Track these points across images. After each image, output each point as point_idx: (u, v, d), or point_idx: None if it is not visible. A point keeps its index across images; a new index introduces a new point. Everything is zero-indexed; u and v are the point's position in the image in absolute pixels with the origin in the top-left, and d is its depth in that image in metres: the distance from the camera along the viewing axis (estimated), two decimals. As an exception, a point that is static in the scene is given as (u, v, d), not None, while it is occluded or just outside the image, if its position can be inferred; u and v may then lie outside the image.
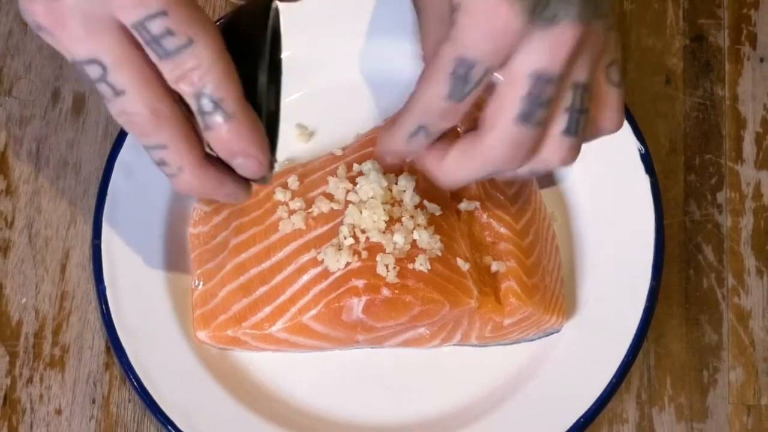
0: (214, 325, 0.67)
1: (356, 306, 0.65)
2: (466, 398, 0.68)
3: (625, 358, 0.66)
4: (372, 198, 0.65)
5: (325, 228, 0.67)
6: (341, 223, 0.66)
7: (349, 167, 0.68)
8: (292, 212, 0.67)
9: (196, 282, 0.69)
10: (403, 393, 0.68)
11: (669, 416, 0.69)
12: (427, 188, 0.67)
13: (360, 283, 0.65)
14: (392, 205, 0.66)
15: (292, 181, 0.69)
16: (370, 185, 0.66)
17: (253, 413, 0.67)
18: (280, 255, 0.67)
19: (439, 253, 0.65)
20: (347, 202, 0.66)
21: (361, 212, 0.65)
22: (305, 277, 0.66)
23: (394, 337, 0.68)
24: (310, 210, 0.67)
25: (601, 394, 0.66)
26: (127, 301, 0.68)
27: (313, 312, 0.66)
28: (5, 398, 0.69)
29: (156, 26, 0.50)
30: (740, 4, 0.77)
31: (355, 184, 0.66)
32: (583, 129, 0.54)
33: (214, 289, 0.68)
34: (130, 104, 0.51)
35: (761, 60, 0.76)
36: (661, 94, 0.76)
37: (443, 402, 0.68)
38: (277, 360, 0.69)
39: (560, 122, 0.53)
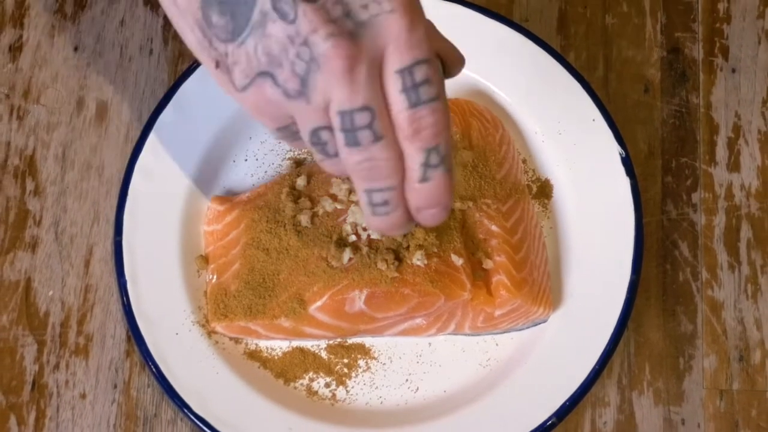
0: (227, 316, 0.67)
1: (358, 298, 0.65)
2: (460, 383, 0.68)
3: (607, 346, 0.67)
4: (373, 198, 0.65)
5: (329, 226, 0.67)
6: (344, 221, 0.66)
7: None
8: (299, 211, 0.67)
9: (211, 276, 0.69)
10: (404, 379, 0.68)
11: (648, 400, 0.69)
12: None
13: (361, 277, 0.65)
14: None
15: (300, 182, 0.69)
16: (371, 186, 0.66)
17: (263, 398, 0.66)
18: (287, 251, 0.67)
19: (435, 249, 0.65)
20: (349, 202, 0.66)
21: (362, 211, 0.65)
22: (311, 272, 0.66)
23: (393, 326, 0.68)
24: (315, 209, 0.67)
25: (585, 379, 0.66)
26: (146, 293, 0.68)
27: (319, 304, 0.66)
28: (34, 383, 0.69)
29: (420, 72, 0.47)
30: (713, 19, 0.77)
31: (357, 185, 0.66)
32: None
33: (227, 283, 0.68)
34: (384, 150, 0.48)
35: (733, 71, 0.76)
36: (640, 102, 0.75)
37: (440, 386, 0.68)
38: (285, 348, 0.69)
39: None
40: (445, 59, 0.52)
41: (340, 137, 0.48)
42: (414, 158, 0.49)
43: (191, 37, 0.50)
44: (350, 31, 0.46)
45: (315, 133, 0.49)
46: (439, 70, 0.49)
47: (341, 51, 0.46)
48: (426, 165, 0.49)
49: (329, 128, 0.49)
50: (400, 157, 0.49)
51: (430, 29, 0.50)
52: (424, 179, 0.49)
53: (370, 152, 0.48)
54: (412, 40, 0.47)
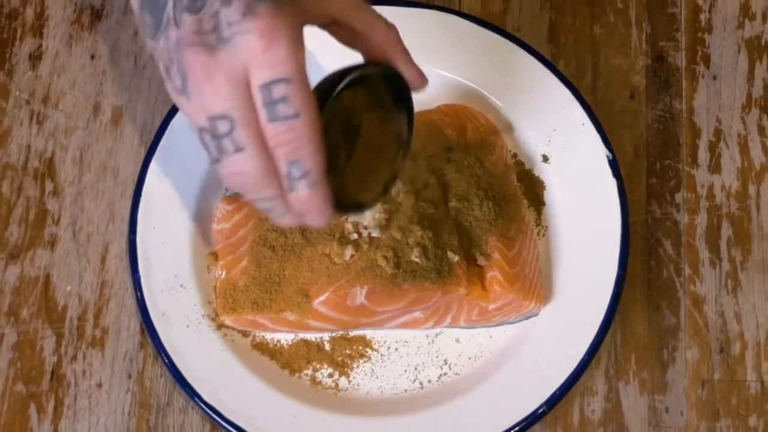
0: (236, 310, 0.67)
1: (359, 293, 0.65)
2: (456, 373, 0.68)
3: (595, 338, 0.67)
4: (373, 198, 0.65)
5: (332, 225, 0.66)
6: (346, 220, 0.66)
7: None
8: (303, 210, 0.67)
9: (220, 272, 0.69)
10: (403, 369, 0.68)
11: (633, 389, 0.69)
12: (419, 190, 0.67)
13: (363, 273, 0.65)
14: (390, 204, 0.66)
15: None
16: (372, 187, 0.66)
17: (270, 387, 0.66)
18: (293, 249, 0.67)
19: (432, 246, 0.66)
20: (351, 202, 0.66)
21: (363, 211, 0.65)
22: (315, 268, 0.66)
23: (392, 320, 0.68)
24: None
25: (574, 370, 0.66)
26: (159, 288, 0.68)
27: (322, 298, 0.66)
28: (53, 373, 0.69)
29: (278, 90, 0.48)
30: (696, 29, 0.77)
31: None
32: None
33: (236, 278, 0.68)
34: (246, 162, 0.49)
35: (714, 78, 0.76)
36: (626, 107, 0.75)
37: (437, 376, 0.68)
38: (291, 340, 0.69)
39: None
40: (407, 76, 0.54)
41: (212, 145, 0.49)
42: (280, 170, 0.50)
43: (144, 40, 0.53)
44: (209, 44, 0.48)
45: (200, 133, 0.50)
46: (305, 89, 0.49)
47: (196, 59, 0.48)
48: (288, 177, 0.50)
49: (209, 131, 0.50)
50: (263, 167, 0.49)
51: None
52: (290, 189, 0.50)
53: (233, 164, 0.49)
54: (269, 59, 0.48)
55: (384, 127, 0.56)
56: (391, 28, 0.55)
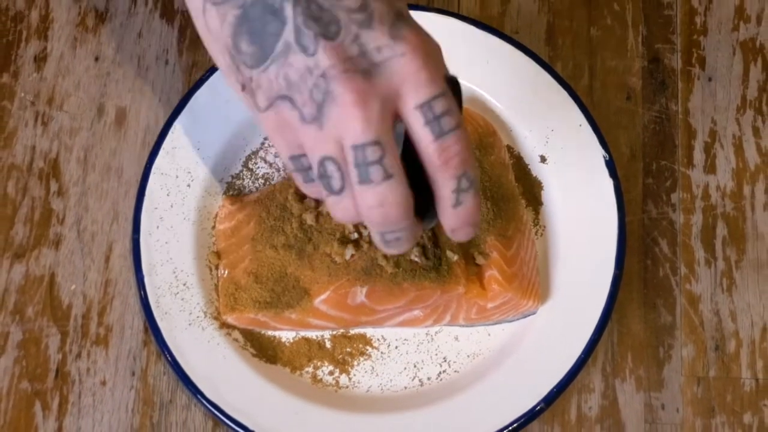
0: (238, 309, 0.67)
1: (360, 292, 0.65)
2: (455, 371, 0.68)
3: (592, 336, 0.67)
4: (373, 198, 0.65)
5: (333, 224, 0.67)
6: (347, 219, 0.66)
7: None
8: (304, 210, 0.67)
9: (222, 271, 0.69)
10: (403, 367, 0.68)
11: (630, 386, 0.69)
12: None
13: (363, 272, 0.65)
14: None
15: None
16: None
17: (271, 385, 0.66)
18: (294, 248, 0.67)
19: (431, 246, 0.66)
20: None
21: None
22: (316, 267, 0.66)
23: (393, 318, 0.68)
24: (320, 208, 0.67)
25: (572, 368, 0.66)
26: (162, 287, 0.68)
27: (323, 297, 0.66)
28: (57, 371, 0.69)
29: (439, 105, 0.47)
30: (691, 31, 0.77)
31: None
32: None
33: (238, 277, 0.68)
34: (393, 191, 0.48)
35: (709, 79, 0.76)
36: (623, 108, 0.75)
37: (436, 374, 0.68)
38: (292, 338, 0.69)
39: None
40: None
41: (353, 174, 0.48)
42: (447, 186, 0.49)
43: (221, 61, 0.51)
44: (364, 70, 0.47)
45: (323, 163, 0.48)
46: (454, 100, 0.49)
47: (354, 86, 0.46)
48: (458, 191, 0.49)
49: (336, 161, 0.48)
50: (408, 197, 0.49)
51: (438, 59, 0.50)
52: (457, 204, 0.49)
53: (382, 194, 0.48)
54: (425, 78, 0.47)
55: None
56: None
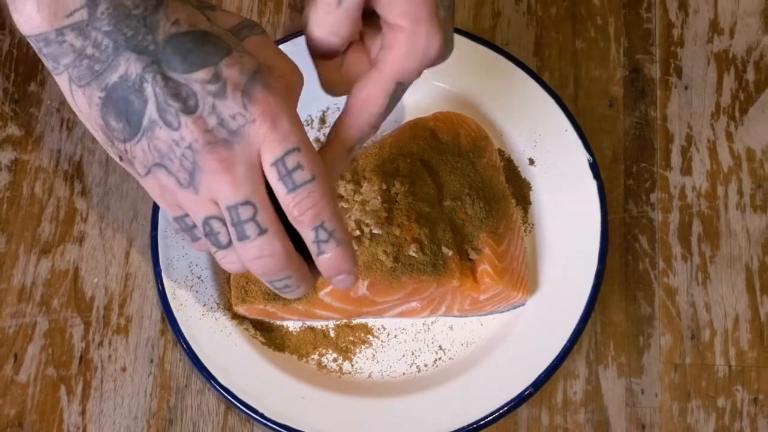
0: (249, 300, 0.67)
1: (361, 285, 0.65)
2: (450, 358, 0.68)
3: (576, 326, 0.67)
4: (374, 198, 0.65)
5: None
6: (350, 218, 0.66)
7: (354, 172, 0.68)
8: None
9: (234, 265, 0.69)
10: (401, 354, 0.68)
11: (612, 373, 0.69)
12: (416, 191, 0.67)
13: (364, 266, 0.65)
14: (390, 203, 0.66)
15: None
16: (372, 188, 0.66)
17: (279, 371, 0.67)
18: (301, 244, 0.67)
19: (428, 242, 0.66)
20: (354, 201, 0.66)
21: (365, 209, 0.65)
22: (321, 262, 0.66)
23: (392, 309, 0.68)
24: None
25: (558, 355, 0.66)
26: (178, 280, 0.68)
27: (327, 289, 0.66)
28: (81, 358, 0.69)
29: (291, 160, 0.47)
30: (669, 43, 0.77)
31: (360, 186, 0.66)
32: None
33: (248, 272, 0.67)
34: (269, 243, 0.48)
35: (686, 88, 0.76)
36: (605, 115, 0.75)
37: (432, 361, 0.68)
38: (299, 327, 0.69)
39: None
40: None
41: (232, 233, 0.48)
42: (306, 237, 0.49)
43: (96, 136, 0.50)
44: (224, 139, 0.47)
45: (207, 222, 0.48)
46: (314, 153, 0.48)
47: (217, 156, 0.46)
48: (317, 241, 0.49)
49: (219, 219, 0.48)
50: (285, 247, 0.48)
51: (290, 113, 0.49)
52: (320, 253, 0.49)
53: (259, 247, 0.48)
54: (275, 138, 0.47)
55: None
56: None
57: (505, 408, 0.65)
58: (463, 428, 0.65)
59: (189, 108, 0.46)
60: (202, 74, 0.46)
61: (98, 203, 0.73)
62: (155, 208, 0.70)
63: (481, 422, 0.65)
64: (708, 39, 0.78)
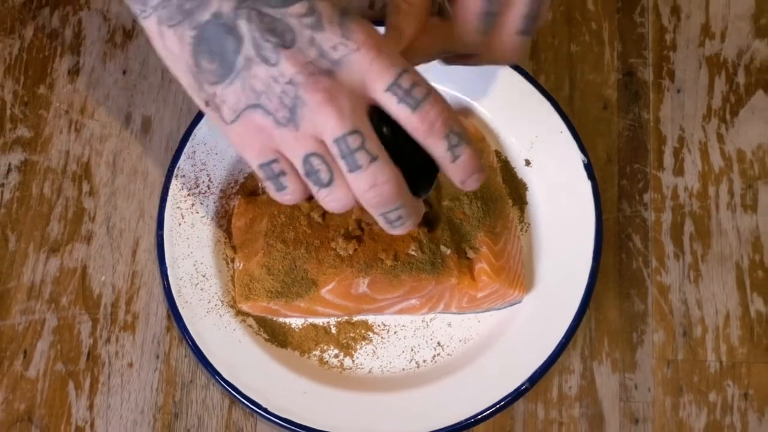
0: (252, 298, 0.67)
1: (362, 283, 0.65)
2: (448, 354, 0.68)
3: (572, 322, 0.67)
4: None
5: (338, 221, 0.67)
6: (351, 217, 0.66)
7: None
8: (312, 208, 0.67)
9: (238, 263, 0.69)
10: (401, 350, 0.68)
11: (606, 368, 0.69)
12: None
13: (365, 265, 0.65)
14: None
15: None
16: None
17: (282, 366, 0.67)
18: (303, 243, 0.67)
19: (427, 241, 0.66)
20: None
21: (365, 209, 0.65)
22: (322, 260, 0.66)
23: (392, 306, 0.68)
24: (327, 207, 0.67)
25: (553, 351, 0.66)
26: (183, 278, 0.68)
27: (329, 287, 0.66)
28: (89, 354, 0.69)
29: (406, 81, 0.46)
30: (662, 47, 0.77)
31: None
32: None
33: (252, 269, 0.67)
34: (382, 170, 0.47)
35: (678, 91, 0.76)
36: (600, 117, 0.75)
37: (432, 356, 0.68)
38: (301, 324, 0.69)
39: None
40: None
41: (342, 165, 0.47)
42: (439, 148, 0.48)
43: (184, 80, 0.49)
44: (327, 69, 0.46)
45: (307, 159, 0.47)
46: (420, 76, 0.48)
47: (320, 86, 0.45)
48: (451, 147, 0.48)
49: (320, 155, 0.47)
50: (397, 173, 0.48)
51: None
52: (455, 159, 0.48)
53: (372, 175, 0.46)
54: (383, 65, 0.46)
55: None
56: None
57: (502, 402, 0.65)
58: (461, 422, 0.65)
59: (287, 42, 0.45)
60: (297, 8, 0.46)
61: (105, 203, 0.73)
62: (161, 208, 0.70)
63: (479, 416, 0.65)
64: (700, 43, 0.78)
